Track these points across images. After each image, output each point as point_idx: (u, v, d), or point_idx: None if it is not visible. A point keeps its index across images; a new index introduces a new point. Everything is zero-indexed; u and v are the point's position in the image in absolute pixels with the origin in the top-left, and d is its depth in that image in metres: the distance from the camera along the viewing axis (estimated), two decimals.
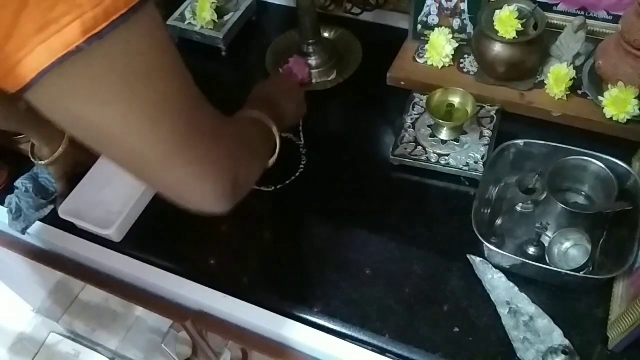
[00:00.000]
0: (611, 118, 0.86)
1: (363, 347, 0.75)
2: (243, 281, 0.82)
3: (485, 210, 0.81)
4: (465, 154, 0.87)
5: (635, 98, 0.84)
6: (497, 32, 0.88)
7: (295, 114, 0.82)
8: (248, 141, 0.64)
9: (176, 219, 0.89)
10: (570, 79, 0.89)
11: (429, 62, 0.99)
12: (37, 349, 1.67)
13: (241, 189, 0.57)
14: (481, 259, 0.77)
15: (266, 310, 0.79)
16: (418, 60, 1.01)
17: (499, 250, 0.73)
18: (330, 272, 0.80)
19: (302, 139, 0.96)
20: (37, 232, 0.92)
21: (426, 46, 0.99)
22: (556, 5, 0.97)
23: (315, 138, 0.96)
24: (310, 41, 1.02)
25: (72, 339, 1.67)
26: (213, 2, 1.08)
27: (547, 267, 0.73)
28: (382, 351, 0.74)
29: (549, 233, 0.77)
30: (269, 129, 0.71)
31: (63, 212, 0.86)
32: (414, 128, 0.91)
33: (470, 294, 0.75)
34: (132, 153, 0.47)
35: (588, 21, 0.91)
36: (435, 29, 0.99)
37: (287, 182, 0.90)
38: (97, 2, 0.38)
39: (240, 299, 0.80)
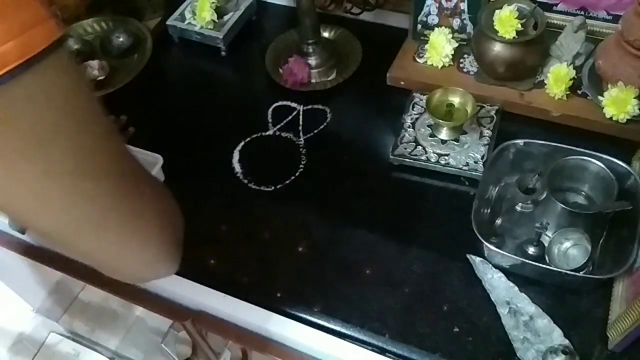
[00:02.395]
0: (611, 118, 0.86)
1: (363, 347, 0.75)
2: (243, 281, 0.82)
3: (485, 210, 0.81)
4: (465, 154, 0.87)
5: (635, 98, 0.84)
6: (497, 32, 0.88)
7: None
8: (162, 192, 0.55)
9: None
10: (570, 79, 0.89)
11: (429, 62, 0.99)
12: (37, 349, 1.67)
13: (179, 247, 0.51)
14: (481, 259, 0.77)
15: (266, 310, 0.79)
16: (418, 60, 1.01)
17: (499, 250, 0.73)
18: (330, 272, 0.80)
19: (302, 139, 0.96)
20: None
21: (426, 46, 0.99)
22: (556, 5, 0.97)
23: (315, 138, 0.96)
24: (310, 41, 1.02)
25: (72, 339, 1.67)
26: (213, 2, 1.08)
27: (547, 267, 0.73)
28: (382, 351, 0.74)
29: (549, 233, 0.77)
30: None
31: None
32: (414, 128, 0.91)
33: (470, 294, 0.75)
34: (45, 222, 0.42)
35: (588, 21, 0.91)
36: (435, 29, 0.99)
37: (287, 182, 0.90)
38: None
39: (240, 299, 0.80)
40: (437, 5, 0.99)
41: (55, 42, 0.37)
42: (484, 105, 0.91)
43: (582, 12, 0.95)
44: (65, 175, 0.39)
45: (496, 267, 0.76)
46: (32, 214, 0.41)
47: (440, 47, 0.97)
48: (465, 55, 0.99)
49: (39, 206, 0.40)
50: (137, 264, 0.48)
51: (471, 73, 0.98)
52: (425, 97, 0.92)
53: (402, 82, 0.99)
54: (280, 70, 1.04)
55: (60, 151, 0.39)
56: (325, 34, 1.08)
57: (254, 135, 0.97)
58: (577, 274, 0.72)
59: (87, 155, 0.41)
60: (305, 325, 0.77)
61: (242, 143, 0.96)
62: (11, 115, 0.36)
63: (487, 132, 0.89)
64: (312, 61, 1.03)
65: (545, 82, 0.92)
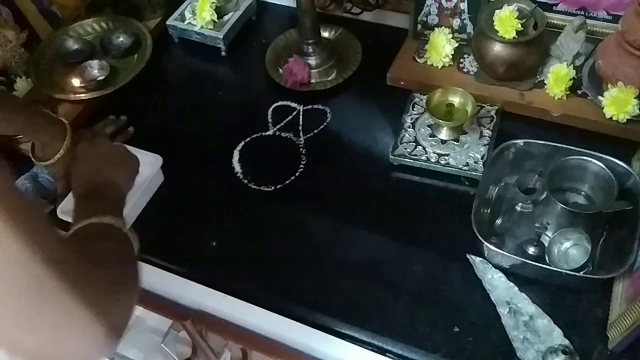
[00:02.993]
0: (611, 118, 0.86)
1: (363, 347, 0.75)
2: (243, 281, 0.82)
3: (485, 210, 0.81)
4: (465, 154, 0.87)
5: (635, 98, 0.84)
6: (497, 32, 0.88)
7: (127, 181, 0.76)
8: (116, 266, 0.54)
9: (176, 219, 0.89)
10: (570, 79, 0.89)
11: (429, 62, 0.99)
12: None
13: (120, 327, 0.49)
14: (481, 259, 0.77)
15: (266, 310, 0.79)
16: (418, 60, 1.01)
17: (499, 250, 0.73)
18: (330, 272, 0.80)
19: (302, 139, 0.96)
20: None
21: (426, 46, 0.99)
22: (556, 5, 0.97)
23: (315, 138, 0.96)
24: (310, 41, 1.02)
25: None
26: (213, 2, 1.08)
27: (547, 267, 0.73)
28: (382, 351, 0.74)
29: (549, 233, 0.77)
30: (123, 233, 0.63)
31: (62, 211, 0.86)
32: (414, 128, 0.91)
33: (470, 294, 0.75)
34: None
35: (588, 21, 0.91)
36: (435, 29, 0.99)
37: (287, 182, 0.90)
38: None
39: (240, 299, 0.80)
40: (437, 5, 0.99)
41: None
42: (484, 105, 0.91)
43: (582, 12, 0.95)
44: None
45: (496, 267, 0.76)
46: None
47: (440, 47, 0.97)
48: (465, 55, 0.99)
49: None
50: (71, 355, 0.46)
51: (471, 73, 0.98)
52: (425, 97, 0.92)
53: (402, 82, 0.99)
54: (280, 70, 1.04)
55: None
56: (325, 34, 1.08)
57: (254, 135, 0.97)
58: (577, 274, 0.72)
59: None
60: (305, 325, 0.77)
61: (242, 143, 0.96)
62: None
63: (487, 132, 0.89)
64: (312, 61, 1.03)
65: (545, 82, 0.92)
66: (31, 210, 0.43)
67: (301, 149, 0.94)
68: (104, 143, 0.80)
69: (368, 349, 0.74)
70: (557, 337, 0.70)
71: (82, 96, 1.03)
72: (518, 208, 0.81)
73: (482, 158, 0.86)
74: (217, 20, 1.10)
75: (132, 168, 0.78)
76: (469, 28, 0.99)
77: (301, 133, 0.97)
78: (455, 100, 0.88)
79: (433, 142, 0.89)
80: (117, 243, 0.61)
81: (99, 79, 1.04)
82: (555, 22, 0.96)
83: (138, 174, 0.79)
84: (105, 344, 0.47)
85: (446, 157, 0.87)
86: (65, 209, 0.86)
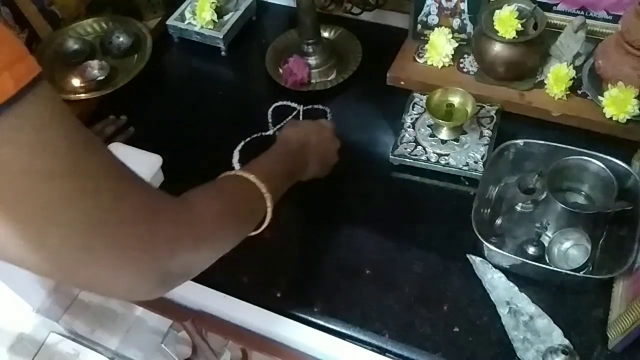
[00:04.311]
0: (611, 118, 0.86)
1: (363, 347, 0.75)
2: (243, 281, 0.82)
3: (485, 210, 0.81)
4: (465, 154, 0.87)
5: (635, 98, 0.84)
6: (497, 32, 0.88)
7: (313, 175, 0.80)
8: (207, 223, 0.54)
9: None
10: (570, 79, 0.89)
11: (429, 62, 0.99)
12: (37, 349, 1.67)
13: (180, 279, 0.50)
14: (481, 259, 0.77)
15: (266, 310, 0.79)
16: (418, 60, 1.01)
17: (499, 250, 0.73)
18: (330, 272, 0.80)
19: None
20: None
21: (426, 46, 0.99)
22: (556, 5, 0.97)
23: None
24: (310, 41, 1.02)
25: (72, 339, 1.67)
26: (213, 2, 1.08)
27: (547, 267, 0.73)
28: (382, 351, 0.74)
29: (549, 233, 0.77)
30: (262, 198, 0.64)
31: None
32: (414, 128, 0.91)
33: (470, 294, 0.75)
34: (21, 262, 0.41)
35: (588, 21, 0.91)
36: (435, 29, 0.99)
37: None
38: None
39: (240, 299, 0.80)
40: (437, 5, 0.99)
41: (29, 83, 0.37)
42: (484, 105, 0.91)
43: (582, 12, 0.95)
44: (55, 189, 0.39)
45: (496, 267, 0.76)
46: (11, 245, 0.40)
47: (440, 47, 0.97)
48: (465, 55, 0.99)
49: (33, 240, 0.40)
50: (116, 289, 0.47)
51: (471, 73, 0.98)
52: (425, 97, 0.92)
53: (402, 82, 0.99)
54: (280, 70, 1.04)
55: (52, 190, 0.39)
56: (325, 34, 1.08)
57: (254, 135, 0.97)
58: (577, 274, 0.72)
59: (65, 200, 0.40)
60: (305, 325, 0.77)
61: (242, 143, 0.96)
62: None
63: (487, 132, 0.89)
64: (312, 61, 1.03)
65: (545, 82, 0.92)
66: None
67: None
68: (330, 135, 0.84)
69: (368, 349, 0.74)
70: (557, 337, 0.70)
71: (82, 96, 1.03)
72: (518, 208, 0.81)
73: (482, 158, 0.86)
74: (217, 20, 1.10)
75: (322, 172, 0.83)
76: (469, 28, 0.99)
77: None
78: (455, 100, 0.88)
79: (433, 142, 0.89)
80: (246, 199, 0.62)
81: (99, 79, 1.04)
82: (555, 22, 0.96)
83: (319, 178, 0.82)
84: (156, 288, 0.48)
85: (446, 157, 0.87)
86: None
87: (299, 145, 0.78)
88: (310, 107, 1.00)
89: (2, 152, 0.36)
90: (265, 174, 0.65)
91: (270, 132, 0.98)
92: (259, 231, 0.66)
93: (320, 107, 1.00)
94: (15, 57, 0.37)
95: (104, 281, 0.45)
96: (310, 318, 0.77)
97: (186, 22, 1.13)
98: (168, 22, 1.13)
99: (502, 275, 0.75)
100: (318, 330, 0.76)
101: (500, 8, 0.88)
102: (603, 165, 0.77)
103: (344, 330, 0.75)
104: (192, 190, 0.56)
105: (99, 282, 0.45)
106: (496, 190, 0.84)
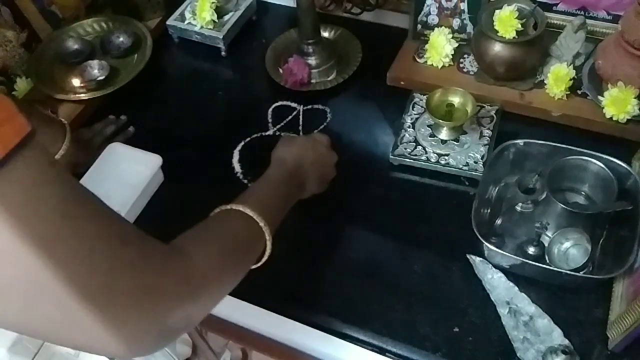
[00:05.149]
0: (611, 118, 0.86)
1: (363, 347, 0.75)
2: (243, 281, 0.81)
3: (485, 210, 0.81)
4: (465, 154, 0.87)
5: (635, 98, 0.84)
6: (497, 32, 0.88)
7: (312, 192, 0.80)
8: (205, 270, 0.52)
9: (176, 219, 0.89)
10: (570, 79, 0.89)
11: (429, 62, 0.99)
12: (37, 349, 1.67)
13: (180, 331, 0.48)
14: (481, 259, 0.77)
15: (266, 310, 0.79)
16: (418, 60, 1.01)
17: (499, 250, 0.73)
18: (330, 272, 0.80)
19: None
20: None
21: (426, 46, 0.99)
22: (556, 5, 0.97)
23: None
24: (310, 41, 1.02)
25: None
26: (213, 2, 1.08)
27: (547, 267, 0.73)
28: (382, 351, 0.74)
29: (549, 233, 0.77)
30: (260, 231, 0.62)
31: None
32: (414, 128, 0.91)
33: (470, 294, 0.75)
34: (8, 326, 0.40)
35: (588, 21, 0.91)
36: (435, 29, 0.99)
37: None
38: None
39: (240, 299, 0.80)
40: (437, 5, 0.99)
41: (16, 146, 0.35)
42: (484, 105, 0.91)
43: (582, 12, 0.95)
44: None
45: (496, 267, 0.76)
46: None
47: (440, 47, 0.97)
48: (465, 55, 0.99)
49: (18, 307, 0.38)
50: (112, 351, 0.44)
51: (471, 73, 0.98)
52: (425, 97, 0.92)
53: (402, 82, 0.99)
54: (280, 70, 1.04)
55: (18, 263, 0.36)
56: (325, 34, 1.08)
57: (254, 135, 0.97)
58: (577, 274, 0.72)
59: (55, 262, 0.37)
60: (305, 325, 0.77)
61: (242, 143, 0.96)
62: None
63: (487, 132, 0.89)
64: (312, 61, 1.03)
65: (545, 82, 0.92)
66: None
67: None
68: (326, 150, 0.82)
69: (368, 349, 0.74)
70: (557, 337, 0.70)
71: (82, 96, 1.03)
72: (518, 208, 0.81)
73: (482, 158, 0.86)
74: (217, 20, 1.10)
75: (321, 189, 0.82)
76: (469, 28, 0.99)
77: (301, 133, 0.97)
78: (455, 100, 0.88)
79: (433, 142, 0.89)
80: (231, 235, 0.59)
81: (99, 79, 1.04)
82: (555, 22, 0.97)
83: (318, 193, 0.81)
84: (155, 344, 0.45)
85: (446, 157, 0.87)
86: None
87: (295, 165, 0.76)
88: (310, 107, 1.00)
89: None
90: (262, 204, 0.63)
91: (270, 132, 0.98)
92: (259, 264, 0.64)
93: (320, 107, 1.00)
94: (2, 118, 0.35)
95: (100, 343, 0.42)
96: (310, 318, 0.77)
97: (186, 22, 1.13)
98: (168, 22, 1.13)
99: (502, 275, 0.75)
100: (318, 330, 0.76)
101: (500, 8, 0.88)
102: (603, 165, 0.77)
103: (344, 330, 0.75)
104: (185, 236, 0.54)
105: (96, 344, 0.43)
106: (496, 190, 0.84)
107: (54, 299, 0.38)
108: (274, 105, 1.01)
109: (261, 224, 0.62)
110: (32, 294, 0.38)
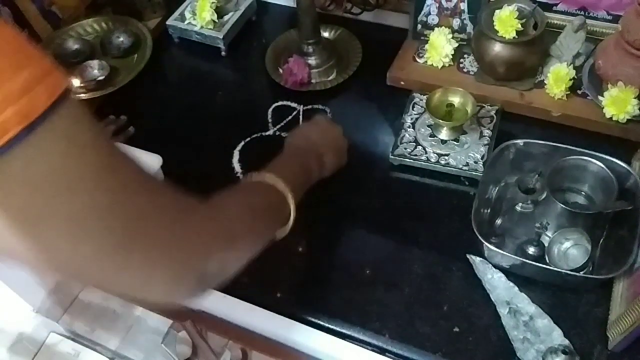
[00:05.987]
0: (611, 118, 0.86)
1: (363, 347, 0.75)
2: (243, 281, 0.82)
3: (485, 210, 0.81)
4: (465, 154, 0.87)
5: (635, 98, 0.84)
6: (497, 32, 0.88)
7: (333, 166, 0.81)
8: (236, 223, 0.56)
9: None
10: (570, 79, 0.89)
11: (429, 62, 0.99)
12: (37, 349, 1.67)
13: (216, 279, 0.51)
14: (481, 259, 0.77)
15: (266, 310, 0.79)
16: (418, 60, 1.01)
17: (499, 250, 0.73)
18: (331, 272, 0.80)
19: None
20: None
21: (426, 46, 0.99)
22: (556, 5, 0.97)
23: None
24: (310, 41, 1.02)
25: (72, 339, 1.67)
26: (213, 2, 1.08)
27: (547, 267, 0.73)
28: (382, 351, 0.74)
29: (549, 233, 0.77)
30: (284, 198, 0.65)
31: None
32: (414, 128, 0.91)
33: (470, 294, 0.75)
34: (58, 270, 0.43)
35: (588, 21, 0.91)
36: (435, 29, 0.99)
37: None
38: None
39: (240, 299, 0.80)
40: (437, 5, 0.99)
41: (59, 97, 0.36)
42: (484, 105, 0.91)
43: (582, 12, 0.95)
44: (87, 220, 0.39)
45: (496, 267, 0.76)
46: (47, 254, 0.41)
47: (440, 47, 0.97)
48: (465, 55, 0.99)
49: (66, 248, 0.40)
50: (153, 295, 0.47)
51: (471, 73, 0.98)
52: (425, 97, 0.92)
53: (402, 82, 0.99)
54: (280, 70, 1.04)
55: (84, 198, 0.39)
56: (325, 34, 1.08)
57: (254, 135, 0.97)
58: (577, 274, 0.72)
59: (100, 206, 0.40)
60: (305, 325, 0.77)
61: (242, 143, 0.96)
62: (11, 185, 0.35)
63: (487, 132, 0.89)
64: (312, 61, 1.03)
65: (545, 82, 0.92)
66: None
67: None
68: (329, 124, 0.86)
69: (368, 349, 0.74)
70: (557, 337, 0.70)
71: (82, 96, 1.03)
72: (518, 208, 0.81)
73: (482, 158, 0.86)
74: (217, 20, 1.10)
75: (342, 161, 0.84)
76: (469, 28, 0.99)
77: None
78: (455, 100, 0.88)
79: (433, 142, 0.89)
80: (269, 203, 0.64)
81: (99, 79, 1.04)
82: (555, 22, 0.97)
83: (342, 167, 0.84)
84: (193, 289, 0.49)
85: (446, 157, 0.87)
86: None
87: (304, 140, 0.80)
88: (310, 107, 1.00)
89: (36, 166, 0.36)
90: (283, 175, 0.66)
91: (270, 132, 0.98)
92: (285, 232, 0.67)
93: (320, 107, 1.00)
94: (46, 70, 0.36)
95: (141, 286, 0.45)
96: (310, 318, 0.77)
97: (186, 22, 1.13)
98: (168, 22, 1.13)
99: (502, 275, 0.75)
100: (318, 330, 0.76)
101: (500, 8, 0.88)
102: (603, 165, 0.77)
103: (344, 330, 0.75)
104: (218, 194, 0.57)
105: (136, 288, 0.46)
106: (496, 190, 0.84)
107: (98, 241, 0.40)
108: (274, 105, 1.01)
109: (285, 192, 0.65)
110: (79, 235, 0.40)
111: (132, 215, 0.42)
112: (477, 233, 0.74)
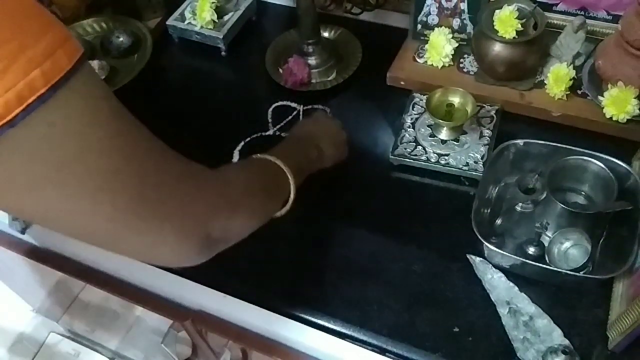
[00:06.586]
0: (611, 118, 0.86)
1: (363, 347, 0.75)
2: (243, 281, 0.82)
3: (485, 210, 0.81)
4: (465, 154, 0.87)
5: (635, 98, 0.84)
6: (497, 32, 0.88)
7: (333, 158, 0.83)
8: (240, 191, 0.59)
9: None
10: (570, 79, 0.89)
11: (429, 62, 0.99)
12: (37, 349, 1.67)
13: (219, 243, 0.54)
14: (481, 259, 0.77)
15: (266, 310, 0.79)
16: (418, 60, 1.01)
17: (499, 250, 0.73)
18: (330, 271, 0.80)
19: None
20: (37, 232, 0.92)
21: (426, 46, 0.99)
22: (556, 5, 0.97)
23: None
24: (310, 41, 1.02)
25: (72, 339, 1.67)
26: (213, 2, 1.08)
27: (547, 267, 0.73)
28: (382, 351, 0.74)
29: (549, 233, 0.77)
30: (285, 177, 0.68)
31: None
32: (414, 128, 0.91)
33: (470, 294, 0.75)
34: (76, 232, 0.45)
35: (588, 21, 0.91)
36: (435, 29, 0.99)
37: None
38: (8, 86, 0.34)
39: (240, 299, 0.80)
40: (437, 5, 0.99)
41: (78, 60, 0.39)
42: (484, 105, 0.91)
43: (582, 12, 0.95)
44: (94, 181, 0.42)
45: (496, 267, 0.76)
46: (67, 216, 0.43)
47: (440, 47, 0.97)
48: (465, 55, 0.99)
49: (86, 208, 0.43)
50: (160, 256, 0.50)
51: (471, 73, 0.98)
52: (425, 97, 0.92)
53: (402, 82, 0.99)
54: (280, 70, 1.04)
55: (100, 161, 0.41)
56: (325, 34, 1.08)
57: (254, 135, 0.97)
58: (577, 274, 0.72)
59: (114, 169, 0.42)
60: (305, 325, 0.77)
61: (242, 143, 0.96)
62: (54, 133, 0.38)
63: (487, 132, 0.89)
64: (312, 61, 1.03)
65: (545, 82, 0.92)
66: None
67: None
68: (327, 119, 0.90)
69: (368, 349, 0.74)
70: (557, 337, 0.70)
71: None
72: (518, 208, 0.81)
73: (482, 158, 0.86)
74: (217, 20, 1.10)
75: (341, 155, 0.85)
76: (469, 28, 0.99)
77: None
78: (455, 100, 0.88)
79: (433, 142, 0.89)
80: (270, 179, 0.66)
81: None
82: (555, 22, 0.97)
83: (342, 161, 0.86)
84: (198, 251, 0.51)
85: (446, 157, 0.87)
86: None
87: (300, 130, 0.83)
88: (310, 107, 1.00)
89: (59, 125, 0.38)
90: (284, 157, 0.68)
91: (270, 132, 0.98)
92: (286, 209, 0.69)
93: (320, 107, 1.00)
94: (65, 36, 0.38)
95: (149, 247, 0.48)
96: (310, 318, 0.77)
97: (186, 22, 1.13)
98: (168, 22, 1.13)
99: (502, 275, 0.75)
100: (318, 330, 0.76)
101: (500, 8, 0.88)
102: (603, 165, 0.77)
103: (344, 330, 0.75)
104: (225, 165, 0.61)
105: (145, 248, 0.49)
106: (496, 190, 0.84)
107: (114, 199, 0.43)
108: (274, 105, 1.01)
109: (285, 169, 0.68)
110: (95, 195, 0.42)
111: (143, 177, 0.45)
112: (477, 233, 0.74)
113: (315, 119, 0.88)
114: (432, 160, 0.87)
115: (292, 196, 0.69)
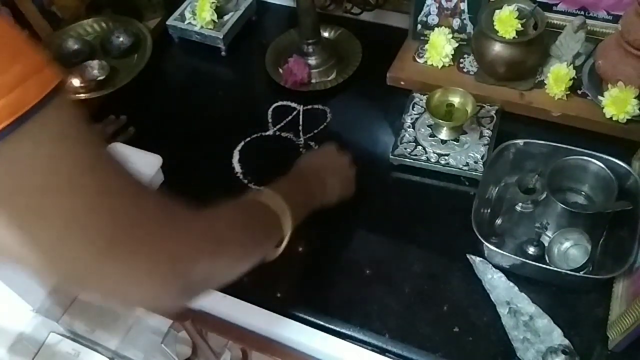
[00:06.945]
0: (611, 118, 0.86)
1: (363, 347, 0.75)
2: (243, 281, 0.81)
3: (485, 210, 0.81)
4: (465, 154, 0.87)
5: (635, 98, 0.84)
6: (497, 32, 0.88)
7: (339, 194, 0.80)
8: (224, 234, 0.55)
9: None
10: (570, 79, 0.89)
11: (429, 62, 0.99)
12: (37, 349, 1.67)
13: (200, 288, 0.51)
14: (481, 259, 0.77)
15: (266, 310, 0.79)
16: (418, 60, 1.01)
17: (499, 250, 0.73)
18: (331, 272, 0.80)
19: (302, 139, 0.96)
20: None
21: (426, 46, 0.99)
22: (556, 5, 0.97)
23: (315, 138, 0.96)
24: (310, 41, 1.02)
25: (72, 339, 1.67)
26: (213, 2, 1.08)
27: (547, 267, 0.73)
28: (382, 351, 0.74)
29: (549, 233, 0.77)
30: (278, 219, 0.64)
31: None
32: (414, 128, 0.91)
33: (470, 294, 0.75)
34: (45, 269, 0.42)
35: (588, 21, 0.91)
36: (435, 29, 0.99)
37: None
38: None
39: (240, 299, 0.80)
40: (437, 5, 0.99)
41: (51, 92, 0.36)
42: (484, 105, 0.91)
43: (582, 12, 0.95)
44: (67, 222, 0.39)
45: (496, 267, 0.76)
46: (30, 256, 0.40)
47: (440, 47, 0.97)
48: (465, 55, 0.99)
49: (49, 250, 0.40)
50: (136, 299, 0.48)
51: (471, 73, 0.98)
52: (425, 97, 0.92)
53: (402, 82, 0.99)
54: (280, 70, 1.04)
55: (67, 200, 0.38)
56: (325, 34, 1.08)
57: (254, 135, 0.97)
58: (577, 274, 0.72)
59: (84, 209, 0.40)
60: (305, 325, 0.77)
61: (242, 143, 0.96)
62: (14, 170, 0.35)
63: (487, 132, 0.89)
64: (312, 61, 1.03)
65: (545, 82, 0.92)
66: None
67: (301, 149, 0.94)
68: (336, 153, 0.83)
69: (368, 349, 0.74)
70: (557, 337, 0.70)
71: (82, 96, 1.03)
72: (518, 208, 0.81)
73: (482, 158, 0.86)
74: (217, 20, 1.10)
75: (348, 190, 0.82)
76: (469, 28, 0.99)
77: (301, 133, 0.97)
78: (455, 100, 0.88)
79: (433, 142, 0.89)
80: (263, 222, 0.63)
81: (99, 79, 1.04)
82: (555, 22, 0.97)
83: (347, 197, 0.81)
84: (178, 296, 0.48)
85: (446, 157, 0.87)
86: None
87: (312, 167, 0.79)
88: (310, 107, 1.00)
89: (24, 161, 0.36)
90: (283, 192, 0.65)
91: (270, 132, 0.98)
92: (278, 252, 0.66)
93: (320, 107, 1.00)
94: (39, 65, 0.36)
95: (125, 290, 0.45)
96: (310, 318, 0.77)
97: (186, 22, 1.13)
98: (168, 22, 1.13)
99: (502, 275, 0.75)
100: (318, 330, 0.76)
101: (500, 8, 0.88)
102: (603, 165, 0.77)
103: (344, 330, 0.75)
104: (211, 207, 0.57)
105: (121, 292, 0.46)
106: (496, 190, 0.84)
107: (82, 245, 0.40)
108: (274, 105, 1.01)
109: (280, 210, 0.64)
110: (64, 236, 0.39)
111: (117, 218, 0.42)
112: (477, 233, 0.74)
113: (324, 152, 0.84)
114: (432, 160, 0.87)
115: (286, 239, 0.65)
